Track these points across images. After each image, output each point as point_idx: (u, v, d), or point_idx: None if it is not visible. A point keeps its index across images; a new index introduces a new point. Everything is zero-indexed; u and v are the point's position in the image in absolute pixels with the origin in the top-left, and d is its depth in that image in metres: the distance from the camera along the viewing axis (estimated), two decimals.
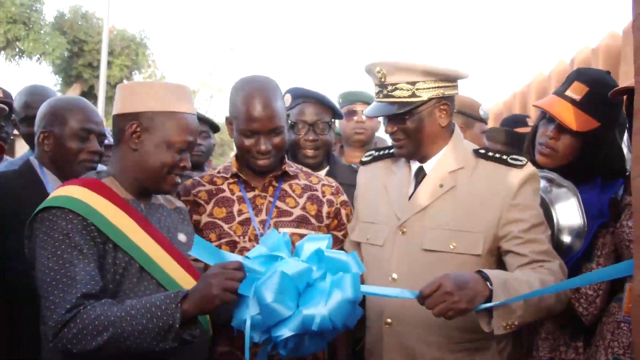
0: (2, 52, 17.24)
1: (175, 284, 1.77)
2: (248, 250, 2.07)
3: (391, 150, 2.26)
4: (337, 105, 2.87)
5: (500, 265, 2.01)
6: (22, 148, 2.85)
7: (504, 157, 2.04)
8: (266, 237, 1.75)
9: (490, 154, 2.07)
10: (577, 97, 2.17)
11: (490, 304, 1.73)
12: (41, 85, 2.94)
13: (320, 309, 1.60)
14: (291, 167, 2.29)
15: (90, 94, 18.01)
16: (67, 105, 2.30)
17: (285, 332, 1.61)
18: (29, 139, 2.70)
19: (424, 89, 2.00)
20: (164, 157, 1.80)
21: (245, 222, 2.16)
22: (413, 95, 1.99)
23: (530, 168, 2.02)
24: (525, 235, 1.94)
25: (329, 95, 2.79)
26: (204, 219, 2.17)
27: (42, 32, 17.13)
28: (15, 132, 3.06)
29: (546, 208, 2.12)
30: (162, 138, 1.80)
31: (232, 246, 2.13)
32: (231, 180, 2.23)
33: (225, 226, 2.16)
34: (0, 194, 2.21)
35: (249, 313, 1.60)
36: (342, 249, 2.21)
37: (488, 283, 1.75)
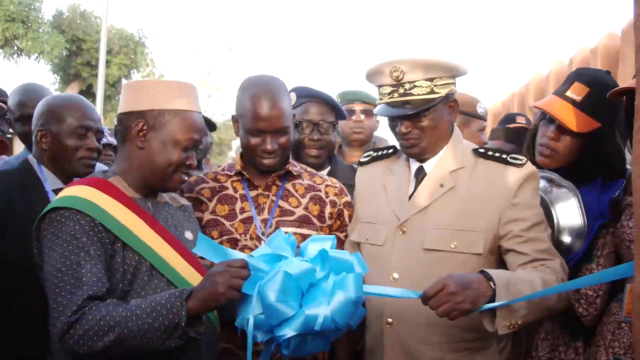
0: (1, 50, 17.23)
1: (185, 282, 1.77)
2: (249, 248, 2.08)
3: (390, 151, 2.26)
4: None
5: (501, 264, 2.01)
6: (20, 147, 2.85)
7: (504, 156, 2.04)
8: (271, 238, 1.75)
9: (490, 153, 2.08)
10: (578, 98, 2.17)
11: (493, 304, 1.74)
12: (36, 84, 2.92)
13: (323, 309, 1.60)
14: (295, 166, 2.29)
15: (88, 92, 18.00)
16: (64, 102, 2.30)
17: (288, 332, 1.61)
18: (24, 137, 2.69)
19: (441, 85, 2.01)
20: (170, 155, 1.80)
21: (247, 221, 2.16)
22: (432, 91, 2.00)
23: (530, 167, 2.02)
24: (526, 234, 1.94)
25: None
26: (207, 216, 2.17)
27: (40, 30, 17.11)
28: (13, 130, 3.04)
29: (546, 208, 2.12)
30: (169, 136, 1.80)
31: (233, 244, 2.14)
32: (235, 178, 2.24)
33: (227, 224, 2.16)
34: (1, 193, 2.20)
35: (252, 312, 1.60)
36: (342, 249, 2.21)
37: (491, 283, 1.75)
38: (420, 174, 2.10)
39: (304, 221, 2.18)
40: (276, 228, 2.10)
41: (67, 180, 2.20)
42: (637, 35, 1.39)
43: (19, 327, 2.10)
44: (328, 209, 2.24)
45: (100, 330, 1.55)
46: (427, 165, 2.10)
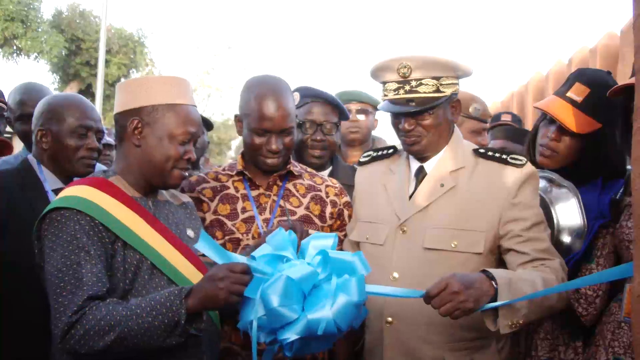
0: (0, 50, 17.21)
1: (186, 280, 1.77)
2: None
3: (390, 151, 2.26)
4: None
5: (501, 263, 2.02)
6: (18, 146, 2.84)
7: (504, 156, 2.05)
8: (272, 236, 1.75)
9: (490, 153, 2.08)
10: (578, 99, 2.17)
11: (495, 304, 1.74)
12: (36, 83, 2.92)
13: (325, 313, 1.60)
14: (296, 167, 2.30)
15: (87, 92, 17.98)
16: (65, 102, 2.29)
17: (291, 335, 1.61)
18: (24, 137, 2.69)
19: (446, 84, 2.02)
20: (167, 150, 1.80)
21: (249, 220, 2.17)
22: (437, 90, 2.01)
23: (530, 167, 2.03)
24: (526, 233, 1.95)
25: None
26: (209, 216, 2.18)
27: (39, 30, 17.09)
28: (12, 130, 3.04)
29: (546, 208, 2.12)
30: (164, 131, 1.80)
31: (236, 244, 2.14)
32: (236, 178, 2.24)
33: (229, 223, 2.17)
34: (1, 193, 2.19)
35: (255, 316, 1.60)
36: (341, 249, 2.21)
37: (493, 282, 1.76)
38: (420, 174, 2.11)
39: (305, 221, 2.19)
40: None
41: (67, 180, 2.20)
42: (637, 35, 1.39)
43: (19, 327, 2.10)
44: (329, 209, 2.25)
45: (101, 329, 1.56)
46: (428, 165, 2.10)
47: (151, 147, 1.80)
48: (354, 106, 3.25)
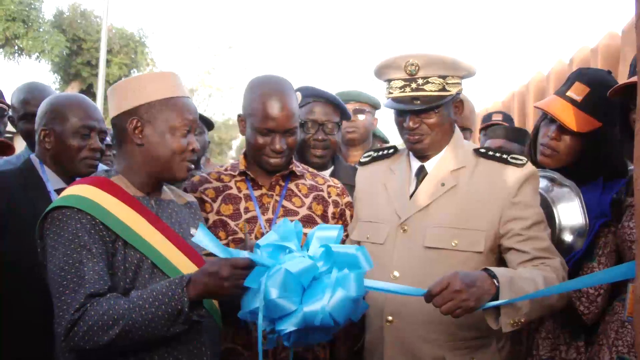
0: (1, 50, 17.23)
1: None
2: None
3: (390, 151, 2.27)
4: None
5: (501, 262, 2.02)
6: (19, 147, 2.84)
7: (504, 156, 2.06)
8: (278, 226, 1.76)
9: (491, 153, 2.09)
10: (578, 98, 2.18)
11: (497, 302, 1.75)
12: (40, 83, 2.93)
13: (321, 305, 1.61)
14: (298, 167, 2.31)
15: (88, 92, 17.99)
16: (68, 102, 2.29)
17: (288, 326, 1.63)
18: (27, 136, 2.70)
19: (452, 83, 2.03)
20: (172, 144, 1.81)
21: (252, 220, 2.17)
22: (443, 89, 2.02)
23: (530, 167, 2.04)
24: (526, 232, 1.96)
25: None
26: (211, 217, 2.18)
27: (41, 30, 17.11)
28: (14, 130, 3.05)
29: (548, 207, 2.13)
30: (165, 125, 1.81)
31: (239, 244, 2.14)
32: (239, 178, 2.25)
33: (232, 223, 2.17)
34: (1, 194, 2.19)
35: (257, 304, 1.62)
36: None
37: (495, 281, 1.76)
38: (421, 174, 2.11)
39: (308, 221, 2.19)
40: None
41: (69, 180, 2.20)
42: (638, 35, 1.39)
43: (19, 327, 2.10)
44: (331, 209, 2.26)
45: (105, 324, 1.57)
46: (428, 165, 2.11)
47: (155, 143, 1.81)
48: (351, 106, 3.24)
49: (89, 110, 2.29)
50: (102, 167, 2.51)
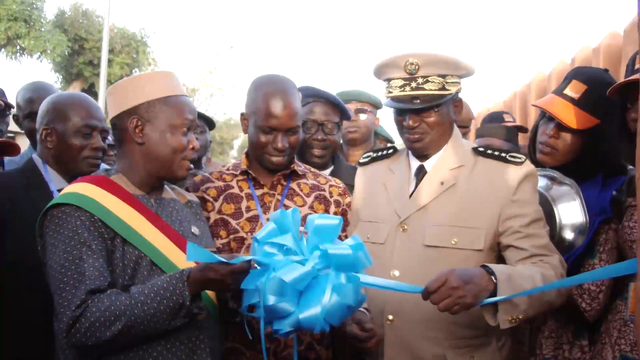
0: (3, 49, 17.25)
1: None
2: None
3: (389, 151, 2.27)
4: None
5: (501, 260, 2.03)
6: (22, 146, 2.84)
7: (503, 154, 2.07)
8: (276, 215, 1.75)
9: (489, 151, 2.10)
10: (576, 96, 2.19)
11: (494, 299, 1.75)
12: (45, 82, 2.94)
13: (316, 312, 1.62)
14: (300, 166, 2.31)
15: (90, 91, 18.00)
16: (70, 101, 2.29)
17: (285, 327, 1.65)
18: (31, 135, 2.70)
19: (451, 82, 2.04)
20: (172, 142, 1.82)
21: (253, 219, 2.18)
22: (443, 88, 2.02)
23: (529, 165, 2.05)
24: (525, 230, 1.96)
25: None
26: (213, 216, 2.19)
27: (42, 29, 17.14)
28: (16, 129, 3.05)
29: (548, 206, 2.13)
30: (165, 123, 1.82)
31: (240, 242, 2.15)
32: (240, 177, 2.25)
33: (233, 222, 2.18)
34: (3, 194, 2.20)
35: (256, 298, 1.64)
36: None
37: (492, 277, 1.77)
38: (420, 173, 2.12)
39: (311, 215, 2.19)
40: None
41: (71, 179, 2.19)
42: None
43: (19, 327, 2.10)
44: (332, 209, 2.26)
45: (107, 320, 1.58)
46: (428, 164, 2.12)
47: (155, 141, 1.82)
48: (352, 106, 3.25)
49: (91, 109, 2.28)
50: (103, 166, 2.51)
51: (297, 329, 1.67)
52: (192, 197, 2.06)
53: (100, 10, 18.52)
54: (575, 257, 2.07)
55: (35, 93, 2.75)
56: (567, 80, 2.26)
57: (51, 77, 19.09)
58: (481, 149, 2.11)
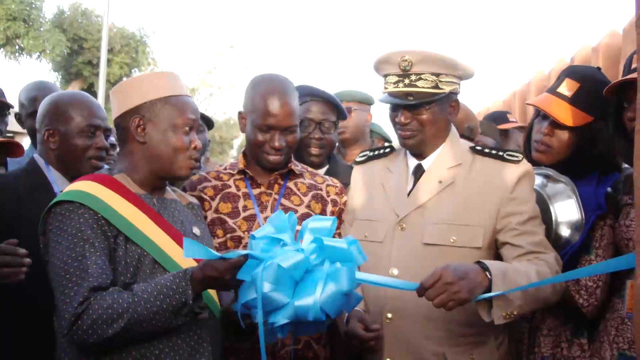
0: (2, 49, 17.24)
1: None
2: None
3: (387, 150, 2.28)
4: None
5: (499, 258, 2.04)
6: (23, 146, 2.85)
7: (500, 153, 2.09)
8: (273, 217, 1.77)
9: (487, 150, 2.12)
10: (569, 94, 2.21)
11: (489, 294, 1.76)
12: (48, 81, 2.96)
13: (312, 300, 1.63)
14: (297, 165, 2.32)
15: (89, 91, 17.88)
16: (71, 101, 2.26)
17: (281, 319, 1.65)
18: (34, 134, 2.69)
19: (445, 82, 2.05)
20: (174, 141, 1.83)
21: (250, 218, 2.18)
22: (436, 86, 2.03)
23: (526, 163, 2.07)
24: (521, 227, 1.98)
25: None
26: (210, 215, 2.19)
27: (41, 29, 17.13)
28: (15, 129, 3.05)
29: (544, 204, 2.14)
30: (167, 123, 1.82)
31: (237, 241, 2.16)
32: (237, 177, 2.26)
33: (230, 221, 2.18)
34: (5, 195, 2.17)
35: (251, 296, 1.64)
36: None
37: (487, 273, 1.78)
38: (418, 172, 2.13)
39: (306, 219, 2.19)
40: None
41: (74, 180, 2.19)
42: (639, 34, 1.39)
43: (24, 329, 2.09)
44: (329, 208, 2.26)
45: (109, 318, 1.58)
46: (425, 163, 2.13)
47: (157, 141, 1.83)
48: (344, 105, 3.25)
49: (93, 109, 2.26)
50: (105, 166, 2.51)
51: (293, 321, 1.66)
52: (193, 199, 2.07)
53: (100, 9, 18.52)
54: (572, 253, 2.08)
55: (40, 92, 2.74)
56: (561, 78, 2.28)
57: (50, 77, 19.06)
58: (478, 148, 2.13)
